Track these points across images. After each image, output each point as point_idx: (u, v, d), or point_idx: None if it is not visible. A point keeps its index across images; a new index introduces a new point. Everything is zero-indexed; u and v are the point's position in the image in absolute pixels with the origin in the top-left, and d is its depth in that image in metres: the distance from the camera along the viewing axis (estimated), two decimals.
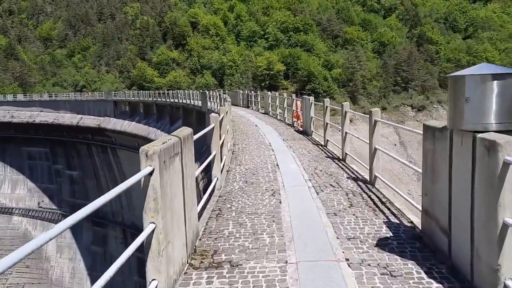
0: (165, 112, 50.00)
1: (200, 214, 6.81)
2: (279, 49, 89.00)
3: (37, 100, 75.03)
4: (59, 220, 71.18)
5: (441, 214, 5.07)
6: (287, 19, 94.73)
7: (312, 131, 16.56)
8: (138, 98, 57.48)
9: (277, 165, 11.00)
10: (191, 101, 37.15)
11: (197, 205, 6.03)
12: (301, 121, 19.26)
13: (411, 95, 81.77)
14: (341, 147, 11.86)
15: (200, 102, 32.47)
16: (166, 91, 51.29)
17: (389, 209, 7.01)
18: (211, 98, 27.75)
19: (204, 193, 7.53)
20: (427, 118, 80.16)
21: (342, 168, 10.43)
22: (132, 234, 58.90)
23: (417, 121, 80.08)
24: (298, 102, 19.63)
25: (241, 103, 38.28)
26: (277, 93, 25.40)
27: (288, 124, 21.08)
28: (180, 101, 41.89)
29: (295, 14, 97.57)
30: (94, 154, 67.27)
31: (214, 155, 8.63)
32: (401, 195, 7.44)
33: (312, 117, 16.54)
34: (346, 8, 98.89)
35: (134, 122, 56.69)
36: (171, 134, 5.06)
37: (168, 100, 47.32)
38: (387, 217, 6.58)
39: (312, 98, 16.69)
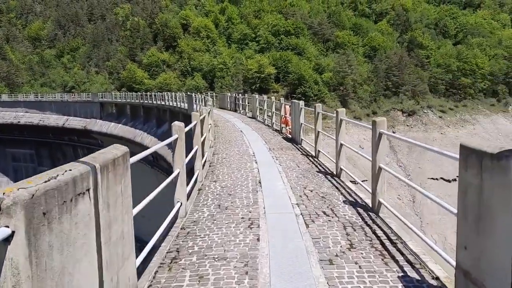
0: (152, 114, 48.08)
1: (149, 259, 4.96)
2: (270, 52, 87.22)
3: (22, 101, 72.65)
4: None
5: (497, 283, 3.25)
6: (279, 22, 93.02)
7: (301, 139, 14.75)
8: (125, 100, 55.41)
9: (260, 182, 9.18)
10: (178, 103, 35.62)
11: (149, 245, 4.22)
12: (290, 127, 17.47)
13: (402, 99, 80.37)
14: (335, 161, 10.05)
15: (186, 105, 30.97)
16: (152, 93, 49.15)
17: (402, 253, 5.21)
18: (197, 100, 26.39)
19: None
20: (417, 123, 79.05)
21: (337, 188, 8.63)
22: None
23: (407, 125, 78.85)
24: (287, 107, 17.86)
25: (228, 106, 36.40)
26: (265, 97, 23.55)
27: (276, 130, 19.30)
28: (167, 103, 40.20)
29: (287, 18, 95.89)
30: (80, 156, 63.70)
31: (178, 173, 6.72)
32: (420, 236, 5.57)
33: (302, 124, 14.72)
34: (338, 12, 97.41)
35: (120, 124, 54.72)
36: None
37: (154, 102, 45.56)
38: (401, 267, 4.80)
39: (302, 103, 14.86)
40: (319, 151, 12.13)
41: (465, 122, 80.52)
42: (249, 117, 27.13)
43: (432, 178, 70.33)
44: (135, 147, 51.38)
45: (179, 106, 34.62)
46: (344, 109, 10.64)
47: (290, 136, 16.90)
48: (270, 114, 21.33)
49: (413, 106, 79.48)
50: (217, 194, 8.29)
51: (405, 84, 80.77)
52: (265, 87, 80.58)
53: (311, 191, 8.31)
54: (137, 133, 49.33)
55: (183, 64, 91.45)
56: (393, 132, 77.96)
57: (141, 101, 50.21)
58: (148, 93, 53.48)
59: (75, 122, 62.88)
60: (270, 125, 21.14)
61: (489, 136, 78.14)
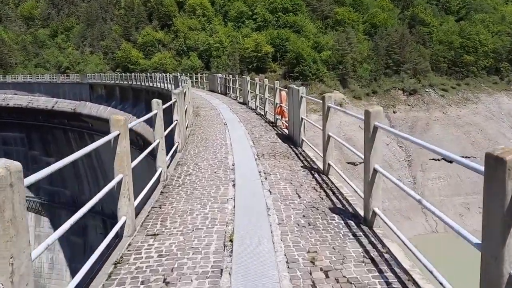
0: (141, 97, 43.75)
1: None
2: (268, 31, 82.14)
3: (11, 82, 68.03)
4: (37, 209, 65.38)
5: None
6: None
7: (302, 139, 10.47)
8: (114, 82, 50.96)
9: (231, 244, 4.91)
10: (166, 85, 31.64)
11: None
12: (287, 119, 13.22)
13: (403, 78, 75.85)
14: (360, 192, 5.82)
15: (173, 87, 26.83)
16: (142, 75, 44.79)
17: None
18: (183, 82, 22.48)
19: None
20: (418, 102, 74.70)
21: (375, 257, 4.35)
22: (112, 224, 53.31)
23: (408, 105, 74.49)
24: (283, 93, 13.59)
25: (218, 89, 31.95)
26: (257, 79, 19.13)
27: (270, 123, 14.95)
28: (156, 85, 36.18)
29: None
30: (71, 140, 60.88)
31: None
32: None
33: (302, 119, 10.42)
34: None
35: (110, 107, 50.40)
36: None
37: (144, 84, 41.45)
38: None
39: (303, 90, 10.49)
40: (329, 164, 7.85)
41: (467, 100, 76.16)
42: (240, 103, 22.78)
43: (433, 159, 66.30)
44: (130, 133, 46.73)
45: (167, 88, 30.63)
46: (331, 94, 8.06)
47: (286, 131, 12.69)
48: (262, 101, 17.02)
49: (415, 85, 74.97)
50: (147, 275, 4.08)
51: (406, 62, 76.14)
52: (262, 66, 75.96)
53: (327, 275, 4.06)
54: (126, 117, 45.00)
55: (179, 43, 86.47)
56: (394, 112, 73.79)
57: (130, 83, 45.84)
58: (134, 74, 48.99)
59: (64, 105, 58.46)
60: (263, 114, 16.84)
61: (491, 115, 74.10)
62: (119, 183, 5.11)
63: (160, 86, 33.57)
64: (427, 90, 75.29)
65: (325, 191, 6.90)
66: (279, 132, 12.90)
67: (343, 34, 78.04)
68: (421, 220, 59.11)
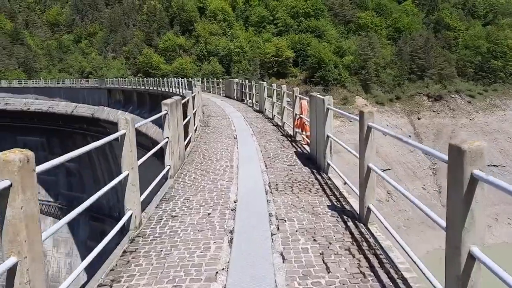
0: (158, 102, 41.69)
1: None
2: (289, 35, 79.61)
3: (32, 87, 67.00)
4: (55, 213, 64.09)
5: None
6: (298, 3, 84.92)
7: (327, 164, 7.94)
8: (131, 87, 49.20)
9: None
10: (181, 90, 29.76)
11: None
12: (308, 133, 10.74)
13: (427, 84, 72.42)
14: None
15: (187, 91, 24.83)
16: (159, 79, 42.98)
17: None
18: (196, 86, 20.36)
19: None
20: (444, 108, 71.20)
21: None
22: None
23: (433, 111, 71.02)
24: (304, 102, 11.09)
25: (234, 94, 29.54)
26: (274, 85, 16.64)
27: (288, 137, 12.38)
28: (172, 90, 34.27)
29: None
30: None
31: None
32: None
33: (328, 138, 7.89)
34: None
35: (127, 113, 48.60)
36: None
37: (161, 89, 39.59)
38: None
39: (329, 99, 7.95)
40: (369, 209, 5.30)
41: (495, 107, 72.25)
42: (256, 111, 20.28)
43: None
44: (141, 137, 45.07)
45: (182, 93, 28.66)
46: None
47: (307, 148, 10.19)
48: (279, 110, 14.48)
49: (440, 91, 71.44)
50: None
51: (431, 68, 72.71)
52: (282, 71, 73.48)
53: None
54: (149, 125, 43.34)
55: (199, 48, 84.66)
56: (418, 119, 70.45)
57: (146, 88, 44.03)
58: (151, 79, 47.24)
59: (83, 110, 57.00)
60: (280, 125, 14.33)
61: None
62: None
63: (176, 91, 31.76)
64: (453, 96, 71.68)
65: (367, 259, 4.38)
66: (299, 149, 10.40)
67: (366, 38, 75.08)
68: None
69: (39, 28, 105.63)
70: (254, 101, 22.66)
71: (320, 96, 8.30)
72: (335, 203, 6.27)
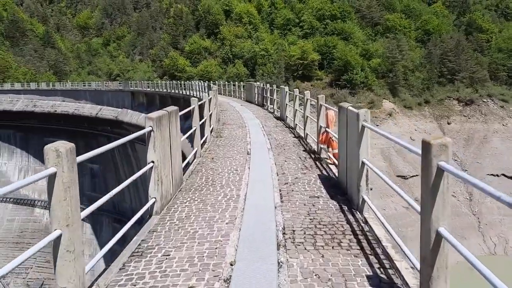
0: (179, 105, 40.09)
1: None
2: (315, 38, 77.15)
3: (59, 89, 66.54)
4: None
5: None
6: (324, 6, 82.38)
7: (362, 199, 5.81)
8: (154, 90, 47.82)
9: None
10: (202, 93, 27.97)
11: None
12: (336, 150, 8.63)
13: (458, 87, 68.83)
14: None
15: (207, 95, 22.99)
16: (183, 82, 41.52)
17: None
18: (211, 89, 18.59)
19: None
20: (475, 113, 67.52)
21: None
22: None
23: (464, 116, 67.40)
24: (330, 113, 8.95)
25: (255, 99, 27.44)
26: (296, 91, 14.47)
27: (311, 153, 10.17)
28: (193, 93, 32.61)
29: (333, 1, 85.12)
30: (114, 148, 58.31)
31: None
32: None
33: (364, 165, 5.77)
34: None
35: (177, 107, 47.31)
36: None
37: (181, 92, 38.06)
38: None
39: (366, 114, 5.83)
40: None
41: None
42: (277, 118, 18.09)
43: (491, 175, 59.24)
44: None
45: (202, 96, 26.91)
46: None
47: (335, 171, 8.07)
48: (302, 118, 12.25)
49: (471, 95, 67.76)
50: None
51: (462, 71, 69.07)
52: (308, 74, 71.07)
53: None
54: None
55: (225, 51, 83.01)
56: (448, 123, 67.00)
57: (168, 91, 42.56)
58: (173, 82, 45.84)
59: (108, 112, 56.04)
60: (303, 136, 12.17)
61: None
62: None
63: (196, 94, 30.05)
64: (485, 100, 67.93)
65: None
66: (324, 171, 8.27)
67: (394, 41, 72.08)
68: (478, 241, 52.38)
69: (70, 31, 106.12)
70: (275, 107, 20.55)
71: (353, 109, 6.18)
72: (378, 270, 4.15)
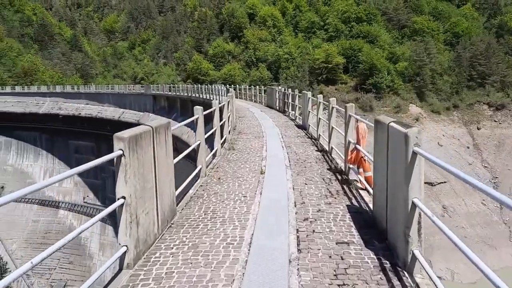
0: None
1: None
2: (339, 41, 74.89)
3: (83, 92, 66.24)
4: (104, 218, 62.76)
5: None
6: (349, 8, 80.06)
7: (412, 254, 4.07)
8: (175, 94, 46.63)
9: None
10: (221, 97, 26.52)
11: None
12: (369, 173, 6.87)
13: (488, 92, 65.65)
14: None
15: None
16: (199, 86, 40.25)
17: None
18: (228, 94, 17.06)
19: None
20: (506, 118, 64.26)
21: None
22: None
23: (495, 121, 64.17)
24: (362, 126, 7.18)
25: (276, 104, 25.61)
26: (319, 97, 12.65)
27: (337, 172, 8.29)
28: (213, 97, 31.16)
29: (358, 3, 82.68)
30: None
31: None
32: None
33: (416, 208, 4.03)
34: None
35: (170, 120, 46.05)
36: None
37: (203, 96, 36.67)
38: None
39: (417, 136, 4.12)
40: None
41: None
42: (298, 126, 16.20)
43: None
44: (182, 145, 42.74)
45: (220, 100, 25.41)
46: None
47: (367, 199, 6.31)
48: (326, 128, 10.42)
49: (502, 99, 64.52)
50: None
51: (493, 74, 65.88)
52: (332, 77, 68.88)
53: None
54: (184, 131, 40.60)
55: (248, 54, 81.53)
56: (478, 129, 63.79)
57: (189, 94, 41.28)
58: (195, 85, 44.70)
59: (130, 116, 55.20)
60: (328, 150, 10.33)
61: None
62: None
63: (216, 98, 28.55)
64: None
65: None
66: (354, 201, 6.49)
67: (422, 44, 69.27)
68: (509, 250, 49.27)
69: (96, 35, 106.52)
70: (296, 114, 18.75)
71: (399, 127, 4.43)
72: None
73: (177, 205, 6.47)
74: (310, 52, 73.16)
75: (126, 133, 4.43)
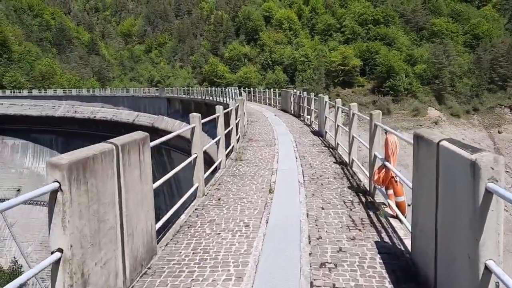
0: (212, 112, 37.54)
1: None
2: (356, 43, 73.08)
3: (99, 96, 65.67)
4: None
5: None
6: (366, 10, 78.22)
7: None
8: (189, 97, 45.54)
9: None
10: (231, 101, 25.22)
11: None
12: (402, 198, 5.41)
13: (510, 94, 63.28)
14: None
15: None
16: (211, 89, 39.22)
17: None
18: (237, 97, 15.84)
19: None
20: None
21: None
22: None
23: None
24: (392, 139, 5.73)
25: (291, 108, 24.15)
26: (337, 101, 11.17)
27: (360, 192, 6.79)
28: (226, 100, 29.93)
29: (376, 5, 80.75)
30: (150, 155, 56.72)
31: None
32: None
33: (488, 269, 2.61)
34: None
35: (184, 123, 45.14)
36: None
37: (216, 99, 35.51)
38: None
39: (496, 165, 2.71)
40: None
41: None
42: (314, 133, 14.67)
43: None
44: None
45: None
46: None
47: (403, 236, 4.86)
48: (348, 138, 8.86)
49: None
50: None
51: None
52: (349, 80, 67.16)
53: None
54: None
55: (264, 57, 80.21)
56: (499, 132, 61.36)
57: (203, 97, 40.16)
58: (209, 88, 43.69)
59: (144, 119, 54.35)
60: (349, 163, 8.81)
61: None
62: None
63: (227, 101, 27.33)
64: None
65: None
66: (384, 236, 4.98)
67: (441, 46, 67.13)
68: None
69: (114, 39, 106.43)
70: (312, 119, 17.27)
71: (459, 150, 3.00)
72: None
73: (160, 240, 5.10)
74: (326, 54, 71.53)
75: (66, 157, 3.06)
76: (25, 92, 71.73)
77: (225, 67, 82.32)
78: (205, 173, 7.32)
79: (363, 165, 8.44)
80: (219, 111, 9.23)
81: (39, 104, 67.55)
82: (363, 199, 6.49)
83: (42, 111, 66.22)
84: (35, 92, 71.72)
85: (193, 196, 6.97)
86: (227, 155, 10.22)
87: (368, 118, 6.69)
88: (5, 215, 64.86)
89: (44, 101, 68.04)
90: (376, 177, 5.94)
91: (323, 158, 9.93)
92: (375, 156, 6.38)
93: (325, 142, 12.53)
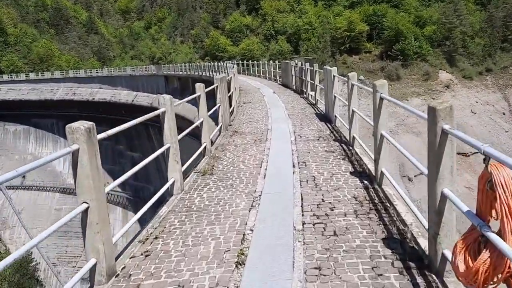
0: (211, 90, 34.33)
1: None
2: (362, 7, 68.38)
3: (96, 76, 62.41)
4: (124, 203, 59.96)
5: None
6: None
7: None
8: (186, 73, 42.12)
9: None
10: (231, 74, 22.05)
11: None
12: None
13: None
14: None
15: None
16: (213, 63, 35.96)
17: None
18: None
19: None
20: None
21: None
22: None
23: None
24: (504, 178, 2.40)
25: (292, 82, 20.43)
26: (352, 76, 7.63)
27: (412, 259, 3.60)
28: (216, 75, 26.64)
29: None
30: (152, 135, 53.92)
31: None
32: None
33: None
34: None
35: (181, 101, 41.91)
36: None
37: (212, 74, 32.24)
38: None
39: None
40: None
41: None
42: (320, 118, 11.05)
43: None
44: (195, 129, 38.18)
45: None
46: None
47: None
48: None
49: None
50: None
51: None
52: (356, 47, 62.87)
53: None
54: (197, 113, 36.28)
55: (267, 27, 75.81)
56: None
57: (200, 74, 36.81)
58: (204, 63, 40.29)
59: (142, 99, 51.36)
60: (373, 174, 5.41)
61: None
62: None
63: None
64: None
65: None
66: None
67: (451, 5, 62.51)
68: None
69: (112, 16, 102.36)
70: (317, 97, 13.76)
71: None
72: None
73: None
74: (331, 21, 67.11)
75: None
76: (22, 76, 68.66)
77: (227, 40, 78.20)
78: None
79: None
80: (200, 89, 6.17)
81: (38, 88, 64.68)
82: (429, 280, 3.16)
83: (40, 95, 63.36)
84: (33, 75, 68.67)
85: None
86: (193, 169, 6.96)
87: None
88: (12, 202, 63.14)
89: (42, 84, 65.16)
90: (472, 265, 2.59)
91: (334, 164, 6.66)
92: (382, 136, 3.17)
93: (334, 133, 9.20)
